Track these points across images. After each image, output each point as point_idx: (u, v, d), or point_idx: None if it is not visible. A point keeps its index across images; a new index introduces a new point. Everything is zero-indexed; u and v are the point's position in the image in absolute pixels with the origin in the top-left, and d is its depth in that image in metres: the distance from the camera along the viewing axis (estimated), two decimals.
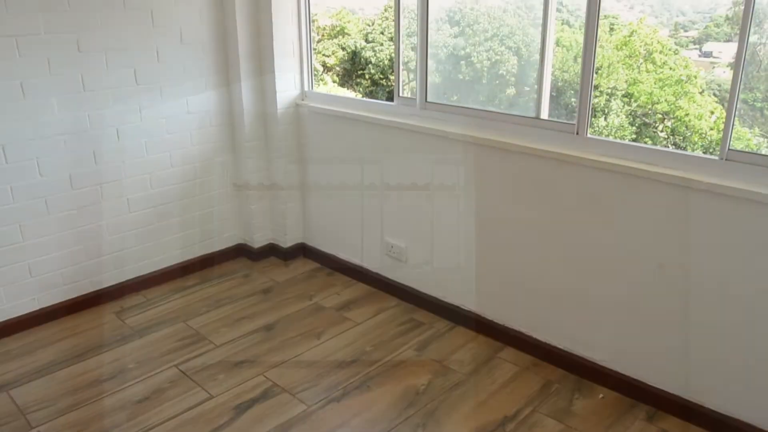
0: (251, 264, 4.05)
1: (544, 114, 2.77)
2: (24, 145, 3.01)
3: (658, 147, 2.76)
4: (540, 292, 2.85)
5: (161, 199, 3.63)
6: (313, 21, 3.90)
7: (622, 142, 2.59)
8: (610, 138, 6.72)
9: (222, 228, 4.00)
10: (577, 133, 2.60)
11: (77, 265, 3.36)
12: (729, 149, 2.23)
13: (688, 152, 2.48)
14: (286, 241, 4.06)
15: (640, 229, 2.44)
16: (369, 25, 10.30)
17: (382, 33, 9.99)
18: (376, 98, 9.82)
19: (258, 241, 4.07)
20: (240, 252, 4.13)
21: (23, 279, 3.17)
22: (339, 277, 3.85)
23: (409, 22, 3.40)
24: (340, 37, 10.35)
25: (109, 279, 3.51)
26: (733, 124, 2.22)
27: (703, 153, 8.26)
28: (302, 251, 4.14)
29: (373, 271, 3.69)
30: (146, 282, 3.67)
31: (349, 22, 10.50)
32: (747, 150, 2.22)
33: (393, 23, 3.26)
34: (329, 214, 3.89)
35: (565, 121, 2.66)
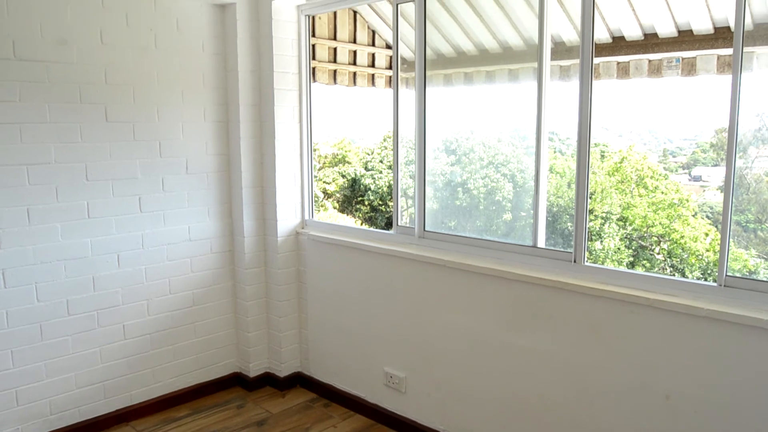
0: (246, 394, 3.93)
1: (541, 241, 2.80)
2: (24, 269, 3.03)
3: (656, 274, 2.78)
4: (544, 421, 2.75)
5: (158, 326, 3.59)
6: (315, 150, 4.05)
7: (620, 269, 2.60)
8: (608, 265, 6.76)
9: (218, 356, 3.92)
10: (575, 261, 2.62)
11: (66, 394, 3.25)
12: (726, 275, 2.24)
13: (686, 279, 2.48)
14: (283, 370, 3.96)
15: (641, 356, 2.40)
16: (369, 154, 10.69)
17: (381, 161, 10.34)
18: (375, 223, 9.97)
19: (254, 370, 3.98)
20: (235, 381, 4.02)
21: (8, 407, 3.06)
22: (336, 408, 3.72)
23: (407, 151, 3.54)
24: (341, 165, 10.70)
25: (98, 408, 3.39)
26: (728, 249, 2.25)
27: (701, 275, 8.27)
28: (299, 380, 4.03)
29: (371, 402, 3.57)
30: (137, 412, 3.54)
31: (349, 151, 10.90)
32: (745, 275, 2.23)
33: (392, 152, 3.39)
34: (327, 343, 3.83)
35: (562, 250, 2.69)
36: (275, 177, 3.74)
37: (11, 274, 2.99)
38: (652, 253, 8.89)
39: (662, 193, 9.14)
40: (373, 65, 5.45)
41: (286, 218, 3.84)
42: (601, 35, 4.54)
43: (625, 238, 8.91)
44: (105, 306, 3.35)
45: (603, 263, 8.47)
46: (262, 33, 3.65)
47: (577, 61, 2.56)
